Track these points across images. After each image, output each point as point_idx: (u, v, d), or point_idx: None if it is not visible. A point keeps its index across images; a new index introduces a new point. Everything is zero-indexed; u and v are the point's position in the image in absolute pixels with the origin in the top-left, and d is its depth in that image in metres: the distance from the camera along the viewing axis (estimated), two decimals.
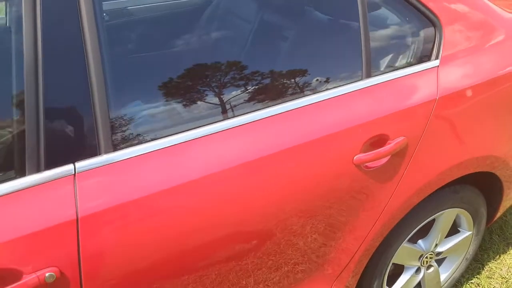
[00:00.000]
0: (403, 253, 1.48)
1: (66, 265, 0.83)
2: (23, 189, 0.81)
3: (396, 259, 1.47)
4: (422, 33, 1.26)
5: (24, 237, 0.79)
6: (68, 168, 0.84)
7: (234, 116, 1.01)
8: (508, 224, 2.14)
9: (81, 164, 0.85)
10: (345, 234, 1.23)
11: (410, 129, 1.20)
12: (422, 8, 1.25)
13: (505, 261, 1.94)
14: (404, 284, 1.57)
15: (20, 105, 0.81)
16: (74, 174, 0.85)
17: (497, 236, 2.07)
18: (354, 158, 1.13)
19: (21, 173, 0.82)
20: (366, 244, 1.29)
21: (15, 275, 0.79)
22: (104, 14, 0.91)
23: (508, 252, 1.99)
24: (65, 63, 0.83)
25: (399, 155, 1.20)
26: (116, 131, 0.89)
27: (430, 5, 1.25)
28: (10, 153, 0.82)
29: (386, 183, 1.21)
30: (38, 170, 0.82)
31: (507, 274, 1.88)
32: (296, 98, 1.08)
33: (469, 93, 1.28)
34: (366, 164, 1.15)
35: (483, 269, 1.91)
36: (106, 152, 0.87)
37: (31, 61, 0.80)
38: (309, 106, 1.09)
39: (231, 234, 1.01)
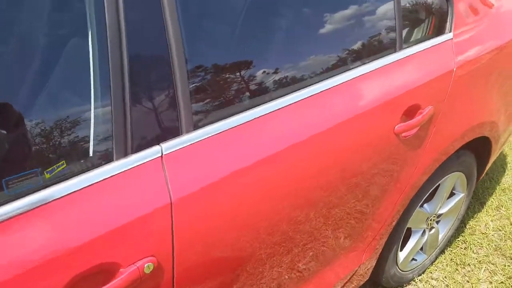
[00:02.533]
0: (416, 217, 1.58)
1: (161, 254, 0.78)
2: (112, 175, 0.74)
3: (410, 223, 1.57)
4: (438, 7, 1.34)
5: (120, 228, 0.73)
6: (155, 150, 0.78)
7: (302, 88, 1.00)
8: (478, 185, 2.37)
9: (167, 145, 0.80)
10: (382, 201, 1.29)
11: (435, 98, 1.28)
12: None
13: (482, 218, 2.15)
14: (413, 246, 1.68)
15: (108, 89, 0.74)
16: (162, 156, 0.79)
17: (471, 198, 2.28)
18: (395, 127, 1.18)
19: (109, 159, 0.75)
20: (395, 210, 1.36)
21: (114, 269, 0.73)
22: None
23: (482, 210, 2.20)
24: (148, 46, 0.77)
25: (426, 123, 1.28)
26: (197, 110, 0.84)
27: None
28: (97, 140, 0.74)
29: (416, 150, 1.28)
30: (125, 154, 0.76)
31: (486, 230, 2.08)
32: (343, 72, 1.10)
33: (479, 62, 1.39)
34: (404, 133, 1.21)
35: (465, 227, 2.10)
36: (188, 131, 0.83)
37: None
38: (356, 79, 1.11)
39: (306, 204, 1.02)
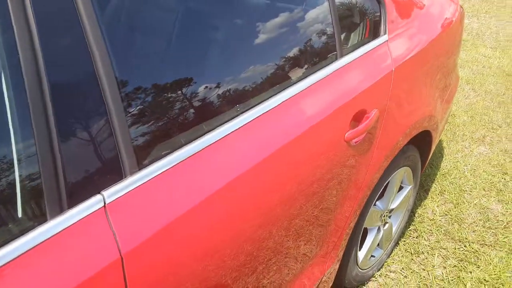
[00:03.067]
0: (371, 216, 1.60)
1: None
2: (48, 238, 0.64)
3: (366, 223, 1.58)
4: (371, 11, 1.35)
5: None
6: (96, 199, 0.70)
7: (248, 109, 0.95)
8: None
9: (110, 192, 0.71)
10: (341, 206, 1.28)
11: (379, 100, 1.29)
12: None
13: (428, 205, 2.24)
14: (370, 244, 1.70)
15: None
16: (104, 206, 0.70)
17: None
18: (345, 135, 1.17)
19: (42, 219, 0.65)
20: (353, 213, 1.36)
21: None
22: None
23: (428, 197, 2.29)
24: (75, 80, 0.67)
25: (374, 125, 1.28)
26: (140, 147, 0.76)
27: None
28: (25, 197, 0.64)
29: (367, 153, 1.29)
30: (61, 211, 0.66)
31: (433, 216, 2.17)
32: (290, 86, 1.06)
33: (414, 60, 1.42)
34: (354, 140, 1.20)
35: (414, 216, 2.17)
36: (132, 173, 0.74)
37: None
38: (302, 92, 1.08)
39: (267, 222, 0.99)
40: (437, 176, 2.45)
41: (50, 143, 0.65)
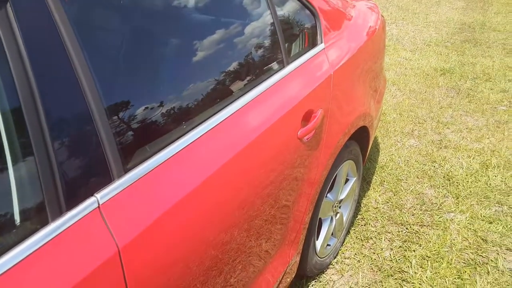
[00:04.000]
0: (324, 207, 1.75)
1: None
2: (50, 239, 0.71)
3: (321, 213, 1.74)
4: (307, 22, 1.52)
5: None
6: (91, 201, 0.77)
7: (207, 118, 1.05)
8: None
9: (102, 194, 0.79)
10: (298, 201, 1.41)
11: (323, 101, 1.45)
12: (303, 1, 1.50)
13: (371, 195, 2.46)
14: (326, 233, 1.86)
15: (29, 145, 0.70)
16: (99, 206, 0.78)
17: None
18: (298, 133, 1.31)
19: (43, 222, 0.71)
20: (309, 206, 1.50)
21: None
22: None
23: (370, 188, 2.52)
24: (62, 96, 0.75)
25: (320, 124, 1.44)
26: (124, 152, 0.84)
27: None
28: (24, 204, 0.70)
29: (316, 149, 1.44)
30: (60, 213, 0.73)
31: (377, 205, 2.39)
32: (244, 94, 1.19)
33: (348, 64, 1.61)
34: (306, 136, 1.35)
35: (361, 206, 2.38)
36: (119, 176, 0.83)
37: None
38: (256, 99, 1.21)
39: (230, 225, 1.08)
40: (376, 169, 2.69)
41: (46, 154, 0.72)
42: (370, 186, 2.54)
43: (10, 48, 0.69)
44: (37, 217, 0.71)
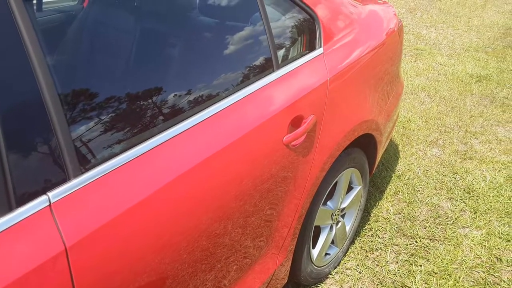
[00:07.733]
0: (321, 215, 1.72)
1: None
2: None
3: (317, 221, 1.70)
4: (307, 26, 1.49)
5: (12, 284, 0.73)
6: (42, 199, 0.79)
7: (190, 116, 1.06)
8: (376, 176, 2.62)
9: (55, 193, 0.81)
10: (285, 205, 1.39)
11: (315, 107, 1.42)
12: (301, 4, 1.47)
13: (383, 205, 2.38)
14: (323, 242, 1.82)
15: None
16: (50, 205, 0.80)
17: (371, 188, 2.51)
18: (284, 138, 1.29)
19: None
20: (299, 212, 1.47)
21: None
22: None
23: (383, 198, 2.44)
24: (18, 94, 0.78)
25: (312, 130, 1.41)
26: (82, 152, 0.86)
27: (306, 1, 1.49)
28: None
29: (308, 154, 1.41)
30: (10, 209, 0.76)
31: (387, 215, 2.31)
32: (231, 94, 1.19)
33: (350, 70, 1.56)
34: (293, 142, 1.32)
35: (370, 216, 2.30)
36: (75, 176, 0.85)
37: None
38: (242, 100, 1.20)
39: (205, 224, 1.08)
40: (392, 178, 2.60)
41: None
42: (383, 195, 2.46)
43: None
44: None
